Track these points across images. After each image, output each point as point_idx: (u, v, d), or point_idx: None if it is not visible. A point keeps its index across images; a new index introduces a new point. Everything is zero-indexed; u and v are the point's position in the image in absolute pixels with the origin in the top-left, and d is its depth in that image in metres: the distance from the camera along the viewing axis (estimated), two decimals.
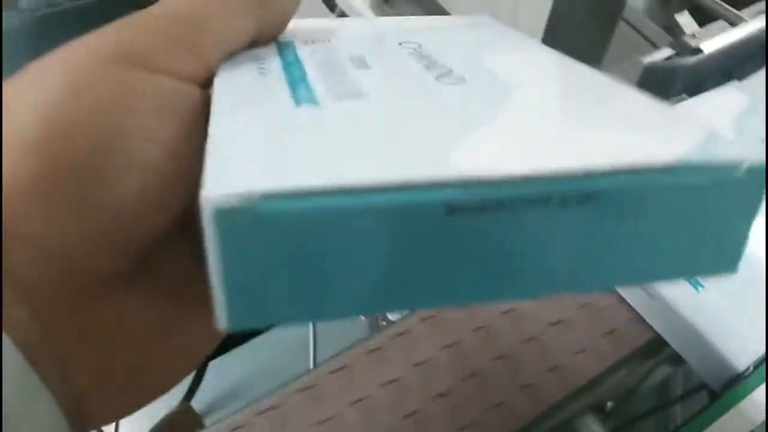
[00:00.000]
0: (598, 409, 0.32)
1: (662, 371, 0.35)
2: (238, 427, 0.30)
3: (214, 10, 0.15)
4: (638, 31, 0.55)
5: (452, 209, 0.11)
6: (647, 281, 0.13)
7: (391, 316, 0.59)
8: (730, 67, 0.47)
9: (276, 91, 0.14)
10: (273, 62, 0.16)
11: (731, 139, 0.12)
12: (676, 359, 0.34)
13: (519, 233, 0.11)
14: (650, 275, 0.13)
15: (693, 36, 0.48)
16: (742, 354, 0.31)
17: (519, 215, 0.11)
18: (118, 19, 0.14)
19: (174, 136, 0.13)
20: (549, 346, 0.33)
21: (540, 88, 0.16)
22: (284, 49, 0.18)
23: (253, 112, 0.13)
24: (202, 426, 0.31)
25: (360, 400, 0.31)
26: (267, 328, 0.38)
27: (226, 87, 0.14)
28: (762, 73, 0.46)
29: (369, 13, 0.57)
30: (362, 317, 0.75)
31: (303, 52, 0.17)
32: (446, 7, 0.52)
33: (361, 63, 0.16)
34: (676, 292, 0.33)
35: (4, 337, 0.11)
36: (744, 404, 0.30)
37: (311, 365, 0.90)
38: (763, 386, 0.30)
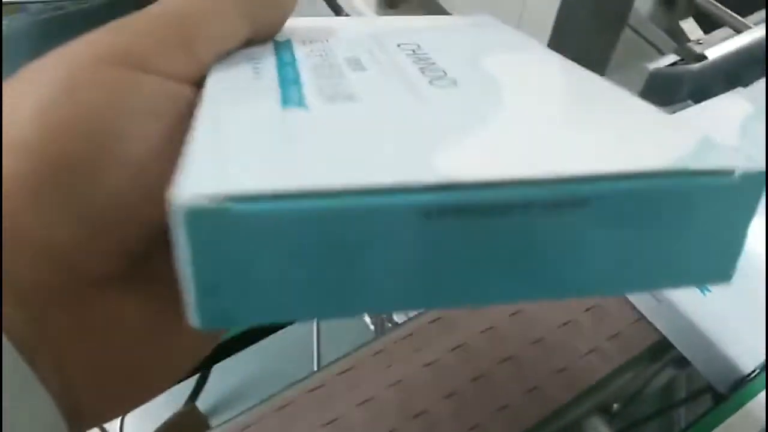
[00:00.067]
0: (604, 411, 0.32)
1: (667, 374, 0.35)
2: (245, 428, 0.30)
3: (209, 10, 0.15)
4: (643, 37, 0.56)
5: (429, 214, 0.11)
6: (638, 290, 0.13)
7: (396, 318, 0.59)
8: (735, 73, 0.47)
9: (266, 93, 0.14)
10: (268, 62, 0.16)
11: (727, 145, 0.12)
12: (681, 362, 0.34)
13: (499, 239, 0.11)
14: (641, 284, 0.13)
15: (698, 42, 0.49)
16: (747, 357, 0.31)
17: (499, 220, 0.11)
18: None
19: (167, 136, 0.14)
20: (556, 348, 0.33)
21: (534, 91, 0.15)
22: (281, 48, 0.18)
23: (239, 113, 0.13)
24: (207, 426, 0.31)
25: (367, 400, 0.31)
26: (272, 331, 0.38)
27: (217, 86, 0.14)
28: None
29: (373, 16, 0.58)
30: (368, 320, 0.76)
31: (300, 53, 0.17)
32: (452, 12, 0.53)
33: (356, 65, 0.16)
34: (683, 296, 0.33)
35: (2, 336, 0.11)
36: (750, 406, 0.30)
37: (315, 367, 0.90)
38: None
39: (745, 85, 0.45)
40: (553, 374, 0.32)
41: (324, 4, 0.67)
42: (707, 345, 0.31)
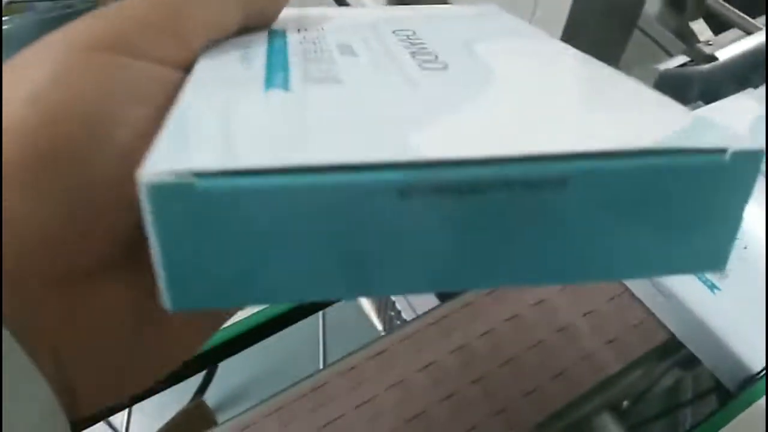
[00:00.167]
0: (614, 408, 0.32)
1: (673, 374, 0.35)
2: (246, 427, 0.30)
3: None
4: (651, 38, 0.55)
5: (404, 192, 0.10)
6: (624, 276, 0.12)
7: (405, 316, 0.59)
8: (745, 74, 0.47)
9: (250, 77, 0.14)
10: (259, 49, 0.16)
11: (724, 126, 0.12)
12: (687, 363, 0.34)
13: (478, 220, 0.11)
14: (627, 270, 0.12)
15: (708, 43, 0.48)
16: (756, 355, 0.31)
17: (476, 200, 0.11)
18: None
19: (157, 121, 0.13)
20: (555, 350, 0.33)
21: (524, 75, 0.15)
22: (274, 36, 0.18)
23: (219, 95, 0.13)
24: (215, 422, 0.31)
25: (366, 402, 0.31)
26: (277, 329, 0.38)
27: (203, 71, 0.14)
28: None
29: (375, 6, 0.57)
30: (375, 319, 0.75)
31: (292, 40, 0.17)
32: None
33: (347, 50, 0.16)
34: (692, 294, 0.33)
35: None
36: (757, 406, 0.30)
37: (321, 365, 0.90)
38: None
39: (755, 86, 0.45)
40: (552, 378, 0.32)
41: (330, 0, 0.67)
42: (716, 343, 0.31)
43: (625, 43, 0.48)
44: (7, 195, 0.12)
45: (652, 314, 0.35)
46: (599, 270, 0.12)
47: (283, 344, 0.52)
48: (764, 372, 0.30)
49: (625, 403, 0.33)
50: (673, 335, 0.34)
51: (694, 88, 0.46)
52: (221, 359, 0.37)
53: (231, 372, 0.93)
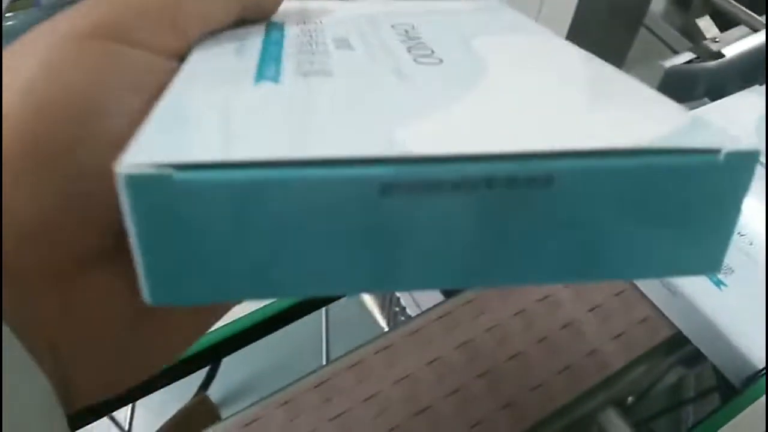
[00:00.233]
0: (619, 404, 0.32)
1: (676, 372, 0.35)
2: (252, 421, 0.31)
3: None
4: (656, 36, 0.55)
5: (385, 189, 0.10)
6: (614, 277, 0.12)
7: (410, 312, 0.59)
8: (751, 71, 0.47)
9: (242, 69, 0.14)
10: (254, 41, 0.16)
11: (719, 127, 0.11)
12: (690, 362, 0.34)
13: (462, 218, 0.11)
14: (618, 271, 0.12)
15: (714, 40, 0.48)
16: (762, 351, 0.31)
17: (460, 198, 0.10)
18: None
19: (150, 111, 0.14)
20: (561, 346, 0.33)
21: (520, 71, 0.14)
22: (272, 29, 0.17)
23: (208, 87, 0.13)
24: (218, 416, 0.31)
25: (372, 396, 0.31)
26: (280, 326, 0.38)
27: (195, 62, 0.14)
28: None
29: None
30: (378, 316, 0.75)
31: (289, 33, 0.17)
32: None
33: (343, 44, 0.16)
34: (698, 290, 0.33)
35: None
36: (761, 402, 0.30)
37: (324, 361, 0.90)
38: None
39: (762, 83, 0.44)
40: (557, 373, 0.32)
41: None
42: (722, 339, 0.31)
43: (631, 41, 0.48)
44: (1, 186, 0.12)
45: (658, 310, 0.35)
46: (588, 270, 0.12)
47: (286, 340, 0.52)
48: (765, 370, 0.30)
49: (630, 398, 0.33)
50: (677, 331, 0.34)
51: (700, 85, 0.46)
52: (224, 355, 0.37)
53: (234, 368, 0.93)
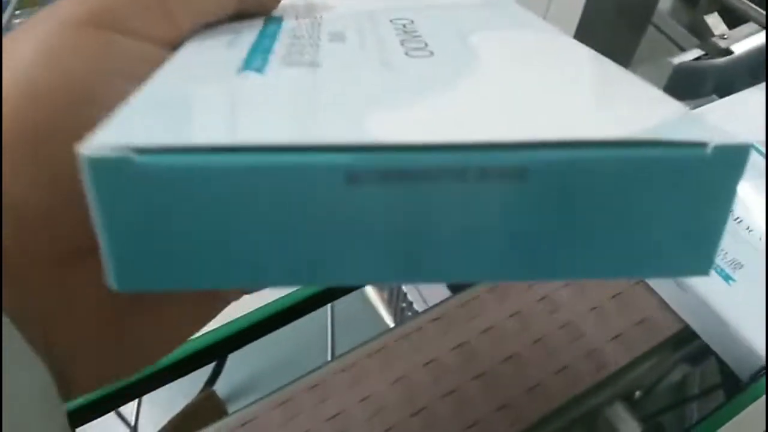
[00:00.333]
0: (627, 398, 0.32)
1: (681, 370, 0.35)
2: (250, 420, 0.31)
3: None
4: (663, 33, 0.55)
5: (353, 177, 0.10)
6: (594, 276, 0.11)
7: (417, 307, 0.59)
8: (760, 68, 0.47)
9: (230, 60, 0.14)
10: (249, 34, 0.16)
11: (709, 121, 0.10)
12: (695, 359, 0.34)
13: (434, 211, 0.10)
14: (598, 269, 0.11)
15: (722, 37, 0.48)
16: None
17: (431, 188, 0.10)
18: None
19: None
20: (558, 347, 0.33)
21: (513, 64, 0.14)
22: (269, 23, 0.17)
23: (189, 76, 0.13)
24: (225, 411, 0.31)
25: (368, 397, 0.31)
26: (286, 321, 0.38)
27: (184, 52, 0.14)
28: None
29: None
30: (383, 312, 0.75)
31: (286, 27, 0.17)
32: None
33: (337, 37, 0.16)
34: (707, 285, 0.33)
35: None
36: (763, 400, 0.30)
37: (329, 357, 0.90)
38: None
39: None
40: (554, 374, 0.32)
41: None
42: (730, 333, 0.31)
43: (639, 40, 0.48)
44: None
45: (658, 310, 0.35)
46: (568, 267, 0.11)
47: (292, 336, 0.52)
48: (766, 369, 0.30)
49: (638, 393, 0.33)
50: (681, 329, 0.34)
51: (709, 82, 0.46)
52: (230, 351, 0.37)
53: (240, 364, 0.94)
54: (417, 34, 0.16)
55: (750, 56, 0.48)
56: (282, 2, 0.19)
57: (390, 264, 0.11)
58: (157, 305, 0.15)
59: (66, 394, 0.14)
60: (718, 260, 0.34)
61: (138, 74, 0.13)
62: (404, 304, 0.63)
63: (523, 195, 0.10)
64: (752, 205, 0.35)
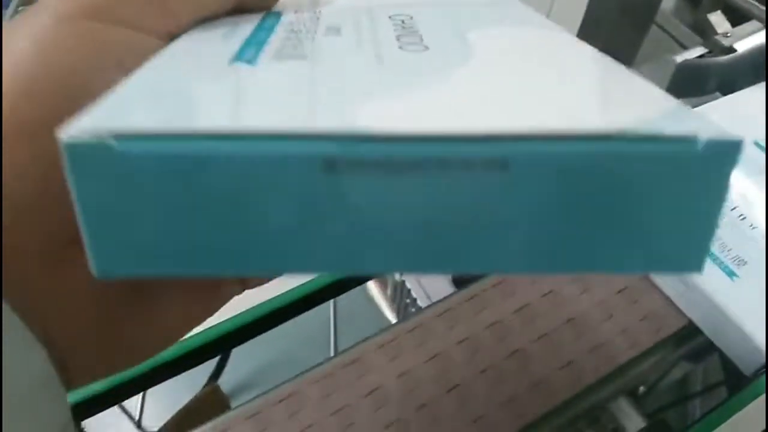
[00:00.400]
0: (631, 394, 0.33)
1: (683, 367, 0.35)
2: (254, 414, 0.31)
3: None
4: (666, 31, 0.55)
5: (331, 165, 0.10)
6: (583, 269, 0.11)
7: (421, 303, 0.59)
8: (763, 66, 0.47)
9: (222, 52, 0.14)
10: (246, 28, 0.16)
11: (701, 116, 0.10)
12: (697, 356, 0.34)
13: (415, 202, 0.10)
14: (586, 263, 0.11)
15: (726, 35, 0.48)
16: None
17: (411, 179, 0.10)
18: None
19: None
20: (563, 343, 0.33)
21: (507, 59, 0.14)
22: (268, 17, 0.17)
23: (179, 66, 0.13)
24: (229, 406, 0.31)
25: (373, 391, 0.31)
26: (290, 316, 0.38)
27: (178, 43, 0.14)
28: None
29: None
30: (386, 310, 0.75)
31: (284, 21, 0.17)
32: None
33: (333, 32, 0.16)
34: (711, 281, 0.33)
35: None
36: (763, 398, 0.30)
37: (332, 352, 0.91)
38: None
39: None
40: (559, 369, 0.32)
41: None
42: (734, 329, 0.31)
43: (642, 39, 0.48)
44: None
45: (663, 305, 0.35)
46: (550, 261, 0.11)
47: (295, 332, 0.52)
48: (766, 367, 0.31)
49: (642, 389, 0.34)
50: (684, 325, 0.34)
51: (712, 79, 0.46)
52: (234, 345, 0.38)
53: (244, 359, 0.94)
54: (414, 29, 0.16)
55: (753, 54, 0.48)
56: None
57: (374, 252, 0.11)
58: (152, 301, 0.15)
59: (65, 385, 0.14)
60: (722, 256, 0.34)
61: (131, 64, 0.13)
62: (408, 300, 0.63)
63: (506, 187, 0.10)
64: (756, 201, 0.36)
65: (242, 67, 0.12)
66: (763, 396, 0.30)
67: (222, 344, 0.37)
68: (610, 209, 0.10)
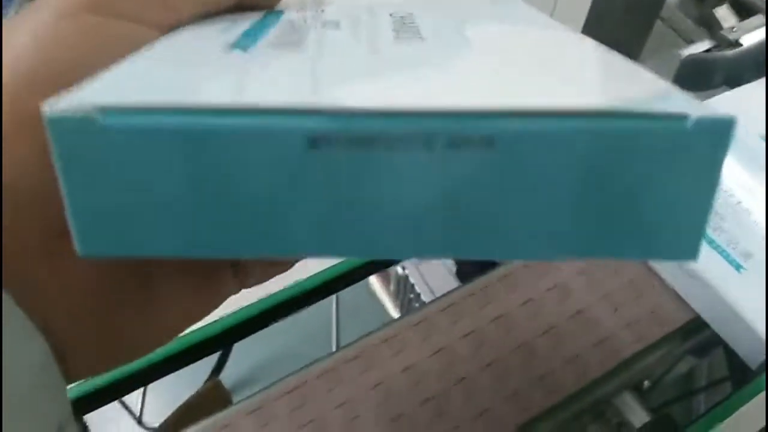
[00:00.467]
0: (636, 388, 0.32)
1: (688, 362, 0.35)
2: (256, 409, 0.31)
3: None
4: (671, 26, 0.55)
5: (315, 141, 0.09)
6: (573, 255, 0.11)
7: (424, 297, 0.59)
8: None
9: (220, 42, 0.14)
10: (246, 22, 0.16)
11: (691, 97, 0.10)
12: (702, 350, 0.34)
13: (400, 179, 0.10)
14: (576, 248, 0.11)
15: (732, 29, 0.48)
16: None
17: (396, 156, 0.10)
18: None
19: None
20: (566, 337, 0.33)
21: (499, 51, 0.14)
22: (270, 14, 0.17)
23: (174, 52, 0.13)
24: (230, 401, 0.31)
25: (377, 384, 0.31)
26: (292, 311, 0.38)
27: (178, 33, 0.14)
28: None
29: None
30: (389, 305, 0.75)
31: (285, 17, 0.17)
32: None
33: (332, 25, 0.16)
34: (717, 273, 0.33)
35: None
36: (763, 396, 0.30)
37: (334, 347, 0.91)
38: None
39: None
40: (565, 363, 0.32)
41: None
42: (740, 322, 0.31)
43: (648, 34, 0.47)
44: None
45: (669, 298, 0.35)
46: (536, 246, 0.10)
47: (297, 326, 0.52)
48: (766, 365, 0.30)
49: (646, 383, 0.33)
50: (690, 319, 0.34)
51: (718, 73, 0.46)
52: (236, 340, 0.38)
53: (246, 354, 0.94)
54: (413, 24, 0.16)
55: (759, 48, 0.47)
56: None
57: (360, 233, 0.10)
58: (151, 295, 0.15)
59: (64, 378, 0.14)
60: (729, 249, 0.34)
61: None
62: (411, 295, 0.63)
63: (493, 167, 0.10)
64: (762, 195, 0.36)
65: (235, 54, 0.12)
66: (761, 395, 0.30)
67: (223, 339, 0.36)
68: (601, 192, 0.10)
